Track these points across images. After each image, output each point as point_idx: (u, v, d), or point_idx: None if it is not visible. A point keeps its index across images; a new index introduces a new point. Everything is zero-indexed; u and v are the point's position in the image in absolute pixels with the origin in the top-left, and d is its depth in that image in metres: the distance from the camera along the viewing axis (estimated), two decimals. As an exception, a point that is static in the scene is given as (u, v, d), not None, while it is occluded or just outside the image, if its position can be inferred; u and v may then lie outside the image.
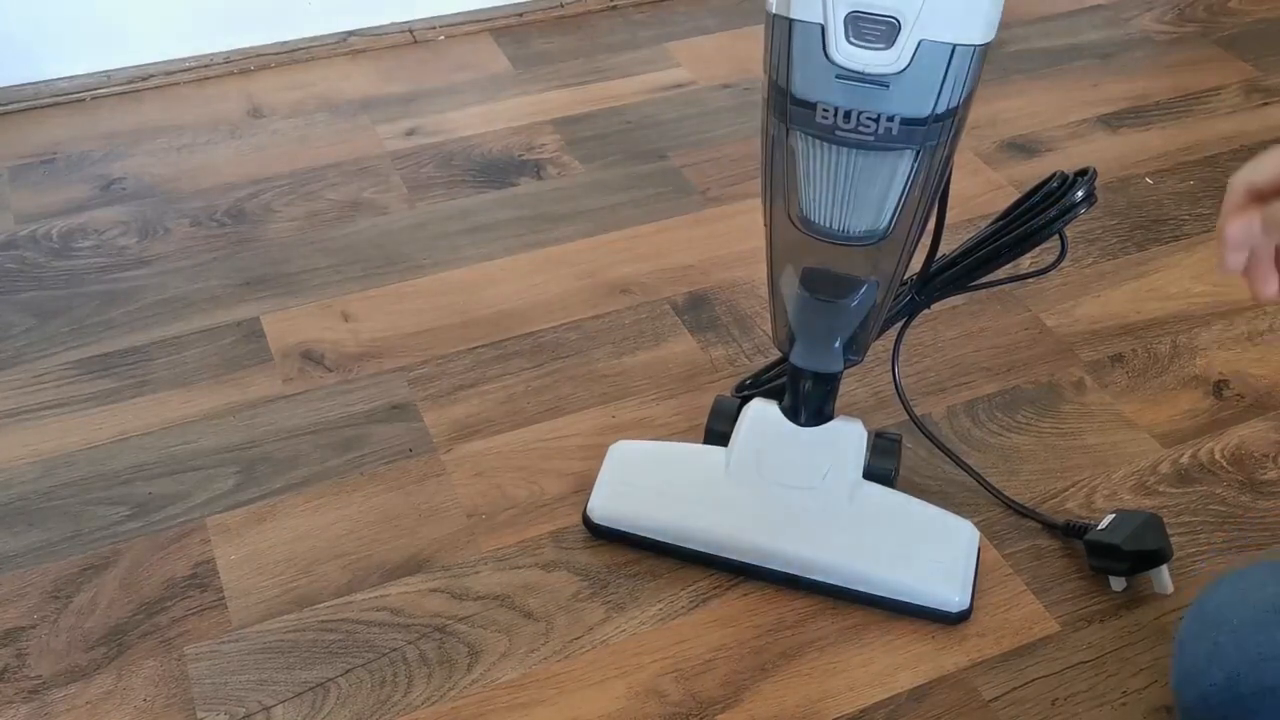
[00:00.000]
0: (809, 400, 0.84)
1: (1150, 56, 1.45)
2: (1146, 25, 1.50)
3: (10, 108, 1.32)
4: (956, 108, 0.64)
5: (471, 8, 1.48)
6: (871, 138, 0.65)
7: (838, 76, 0.63)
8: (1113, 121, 1.32)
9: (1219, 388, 0.98)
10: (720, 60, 1.42)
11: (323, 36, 1.43)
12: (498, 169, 1.24)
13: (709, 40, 1.47)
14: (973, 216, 1.15)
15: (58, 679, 0.78)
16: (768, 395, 0.88)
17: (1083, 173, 0.78)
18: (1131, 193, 1.21)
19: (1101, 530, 0.82)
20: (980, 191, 1.20)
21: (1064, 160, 1.25)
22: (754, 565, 0.82)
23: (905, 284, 0.85)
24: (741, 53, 1.44)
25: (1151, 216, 1.18)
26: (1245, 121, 1.31)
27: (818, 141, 0.67)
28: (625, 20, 1.51)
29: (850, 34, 0.62)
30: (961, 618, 0.80)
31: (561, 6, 1.51)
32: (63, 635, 0.80)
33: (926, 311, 0.87)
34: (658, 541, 0.83)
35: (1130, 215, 1.18)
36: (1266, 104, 1.34)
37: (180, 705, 0.76)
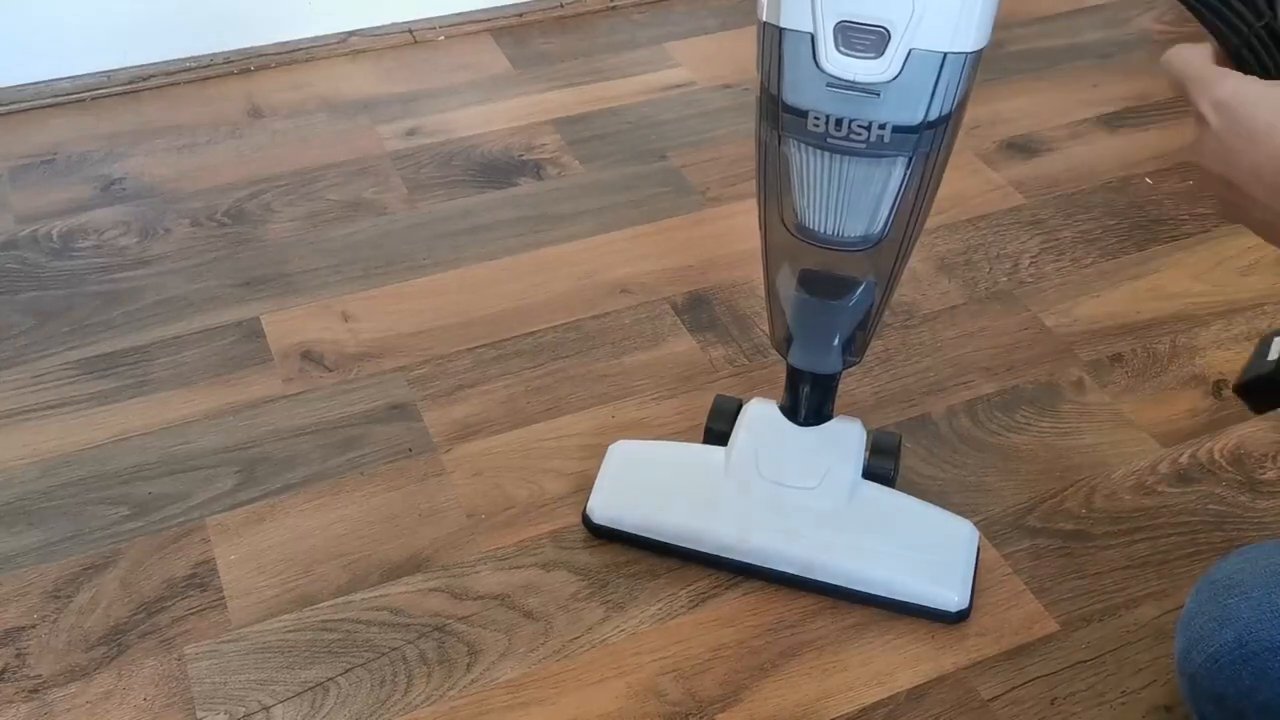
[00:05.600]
0: (808, 400, 0.84)
1: (1150, 56, 1.45)
2: (1146, 25, 1.50)
3: (11, 108, 1.32)
4: (949, 115, 0.64)
5: (471, 8, 1.48)
6: (863, 145, 0.65)
7: (828, 85, 0.63)
8: (1113, 121, 1.32)
9: (1218, 387, 0.98)
10: (720, 60, 1.42)
11: (323, 36, 1.43)
12: (498, 169, 1.24)
13: (709, 40, 1.47)
14: (972, 216, 1.15)
15: (58, 678, 0.78)
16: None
17: None
18: (1131, 193, 1.21)
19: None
20: (980, 191, 1.20)
21: (1064, 160, 1.25)
22: (753, 565, 0.82)
23: None
24: (741, 53, 1.44)
25: (1151, 216, 1.18)
26: (1245, 121, 1.30)
27: (810, 149, 0.67)
28: (625, 20, 1.51)
29: (840, 43, 0.62)
30: (961, 617, 0.80)
31: (561, 7, 1.51)
32: (63, 635, 0.80)
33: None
34: (657, 541, 0.83)
35: (1130, 215, 1.18)
36: (1266, 104, 1.34)
37: (180, 705, 0.76)
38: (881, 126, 0.64)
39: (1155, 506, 0.88)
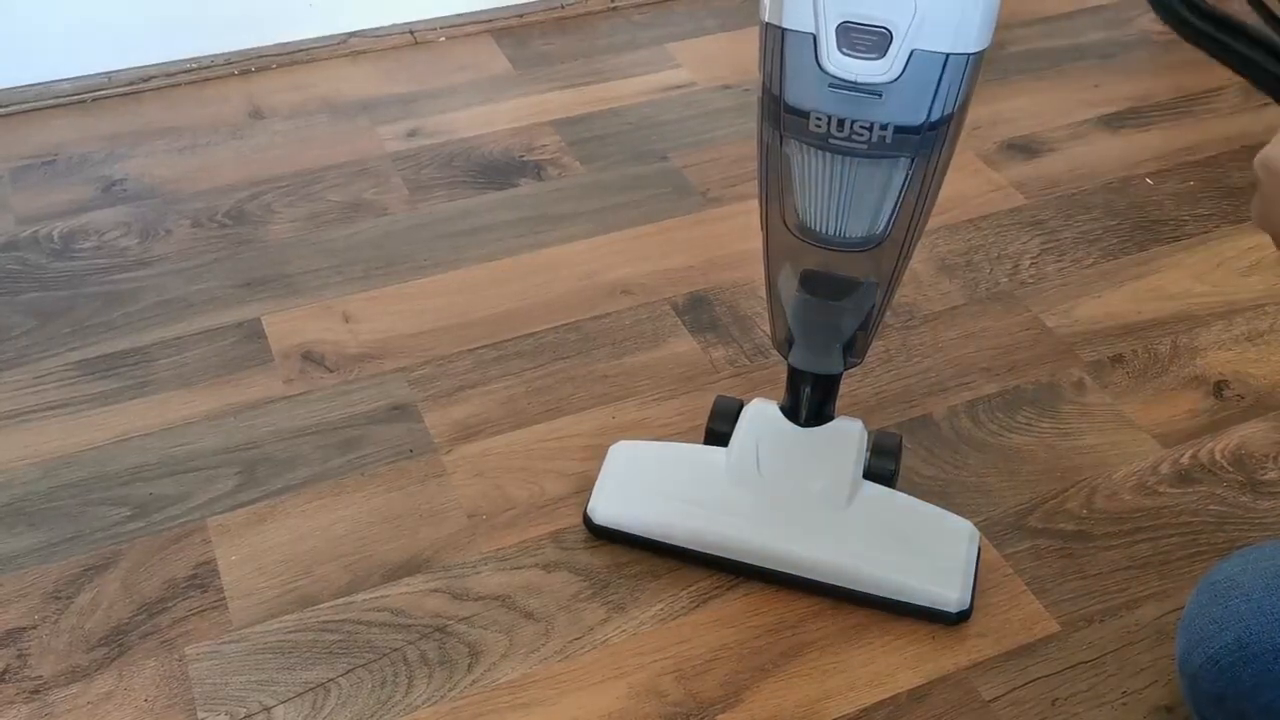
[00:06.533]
0: (809, 401, 0.84)
1: (1151, 57, 1.45)
2: (1147, 26, 1.50)
3: (12, 109, 1.32)
4: (951, 115, 0.64)
5: (472, 9, 1.48)
6: (865, 146, 0.65)
7: (830, 86, 0.63)
8: (1113, 122, 1.32)
9: (1219, 388, 0.98)
10: (721, 61, 1.42)
11: (323, 38, 1.43)
12: (498, 170, 1.24)
13: (709, 41, 1.47)
14: (973, 217, 1.15)
15: (59, 679, 0.78)
16: None
17: None
18: (1132, 193, 1.21)
19: None
20: (981, 192, 1.20)
21: (1064, 161, 1.25)
22: (754, 565, 0.82)
23: None
24: (742, 54, 1.44)
25: (1152, 217, 1.18)
26: (1246, 122, 1.31)
27: (812, 149, 0.67)
28: (626, 21, 1.51)
29: (842, 44, 0.62)
30: (961, 618, 0.80)
31: (562, 8, 1.51)
32: (64, 636, 0.80)
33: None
34: (658, 542, 0.83)
35: (1131, 215, 1.18)
36: (1267, 104, 1.34)
37: (181, 705, 0.76)
38: (883, 127, 0.64)
39: (1156, 507, 0.88)
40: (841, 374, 0.83)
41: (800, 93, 0.64)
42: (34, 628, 0.81)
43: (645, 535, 0.84)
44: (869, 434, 0.85)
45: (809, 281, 0.75)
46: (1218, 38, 0.61)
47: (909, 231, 0.71)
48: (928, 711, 0.76)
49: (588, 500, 0.86)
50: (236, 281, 1.10)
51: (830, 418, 0.85)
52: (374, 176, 1.23)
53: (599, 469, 0.87)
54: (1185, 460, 0.92)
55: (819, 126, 0.65)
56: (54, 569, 0.85)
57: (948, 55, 0.61)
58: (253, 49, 1.41)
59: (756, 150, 0.70)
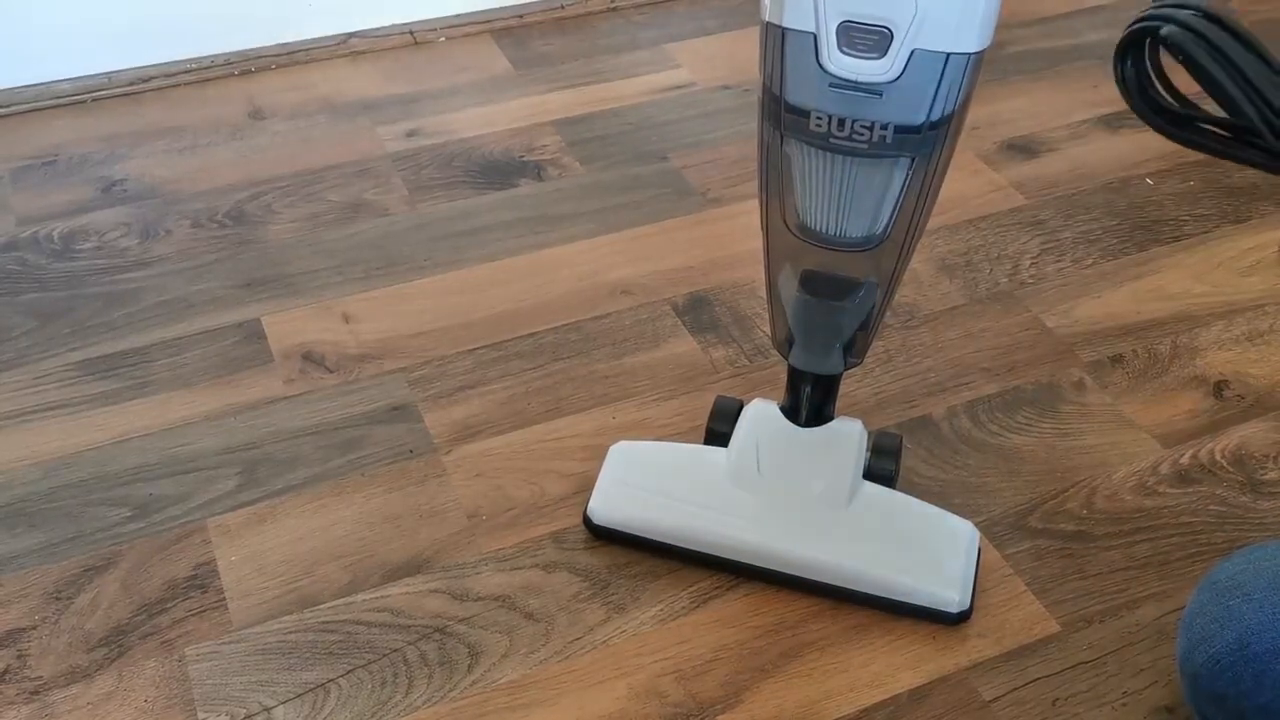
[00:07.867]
0: (809, 401, 0.84)
1: (1151, 57, 1.45)
2: (1147, 26, 1.50)
3: (12, 109, 1.32)
4: (951, 115, 0.64)
5: (472, 9, 1.48)
6: (866, 146, 0.65)
7: (831, 85, 0.63)
8: (1113, 122, 1.32)
9: (1219, 388, 0.98)
10: (721, 61, 1.43)
11: (323, 38, 1.43)
12: (498, 170, 1.24)
13: (710, 41, 1.47)
14: (973, 217, 1.15)
15: (59, 680, 0.78)
16: None
17: None
18: (1132, 193, 1.21)
19: None
20: (981, 192, 1.20)
21: (1064, 161, 1.25)
22: (754, 566, 0.82)
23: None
24: (742, 54, 1.44)
25: (1152, 217, 1.18)
26: (1246, 122, 1.30)
27: (812, 149, 0.67)
28: (626, 21, 1.51)
29: (843, 43, 0.62)
30: (961, 618, 0.80)
31: (562, 8, 1.51)
32: (64, 636, 0.80)
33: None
34: (658, 542, 0.83)
35: (1130, 216, 1.18)
36: (1267, 104, 1.34)
37: (181, 706, 0.76)
38: (884, 127, 0.64)
39: (1156, 507, 0.88)
40: (841, 374, 0.83)
41: (801, 92, 0.64)
42: (34, 628, 0.81)
43: (645, 535, 0.84)
44: (869, 434, 0.86)
45: (809, 281, 0.75)
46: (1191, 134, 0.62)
47: (909, 231, 0.71)
48: (928, 712, 0.76)
49: (588, 500, 0.86)
50: (236, 282, 1.10)
51: (830, 418, 0.85)
52: (374, 177, 1.23)
53: (599, 469, 0.87)
54: (1185, 460, 0.92)
55: (819, 126, 0.65)
56: (54, 569, 0.85)
57: (948, 55, 0.61)
58: (253, 49, 1.41)
59: (757, 150, 0.70)
